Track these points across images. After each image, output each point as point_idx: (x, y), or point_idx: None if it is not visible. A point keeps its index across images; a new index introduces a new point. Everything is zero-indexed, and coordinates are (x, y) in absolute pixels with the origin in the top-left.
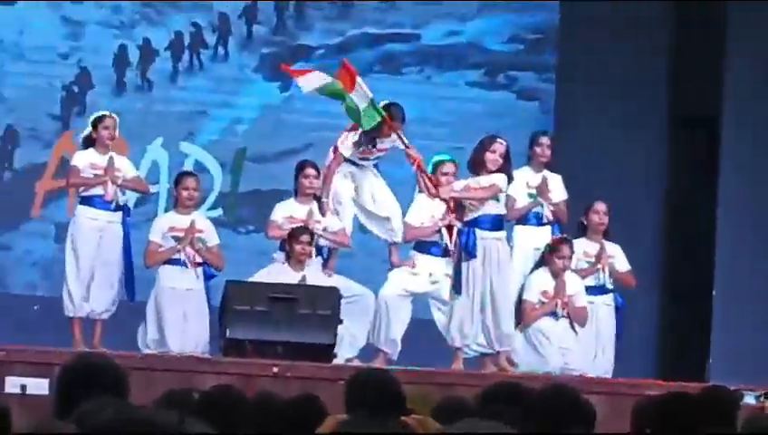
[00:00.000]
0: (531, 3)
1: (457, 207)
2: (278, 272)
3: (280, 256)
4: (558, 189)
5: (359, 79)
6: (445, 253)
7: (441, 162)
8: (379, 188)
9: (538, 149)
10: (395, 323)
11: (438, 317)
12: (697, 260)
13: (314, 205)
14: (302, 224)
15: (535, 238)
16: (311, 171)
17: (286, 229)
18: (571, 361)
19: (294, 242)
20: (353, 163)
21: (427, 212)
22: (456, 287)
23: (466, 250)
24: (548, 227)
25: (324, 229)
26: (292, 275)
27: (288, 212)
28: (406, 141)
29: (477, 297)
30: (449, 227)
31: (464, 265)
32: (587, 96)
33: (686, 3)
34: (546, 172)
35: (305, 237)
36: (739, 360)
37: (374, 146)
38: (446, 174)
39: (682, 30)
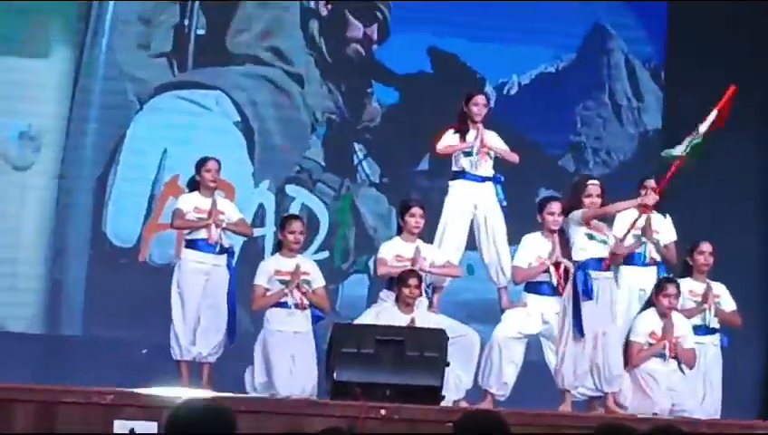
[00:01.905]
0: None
1: (565, 244)
2: (387, 314)
3: (386, 294)
4: (667, 230)
5: None
6: (554, 291)
7: (548, 202)
8: (497, 222)
9: (643, 192)
10: (507, 365)
11: (550, 358)
12: None
13: (420, 242)
14: (409, 263)
15: (641, 279)
16: (417, 211)
17: (395, 268)
18: (680, 402)
19: (403, 285)
20: (474, 178)
21: (534, 252)
22: (578, 329)
23: (584, 291)
24: (653, 268)
25: (431, 265)
26: (401, 318)
27: (395, 251)
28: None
29: (590, 338)
30: (557, 265)
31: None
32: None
33: None
34: (654, 213)
35: (413, 281)
36: None
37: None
38: (552, 213)
39: None
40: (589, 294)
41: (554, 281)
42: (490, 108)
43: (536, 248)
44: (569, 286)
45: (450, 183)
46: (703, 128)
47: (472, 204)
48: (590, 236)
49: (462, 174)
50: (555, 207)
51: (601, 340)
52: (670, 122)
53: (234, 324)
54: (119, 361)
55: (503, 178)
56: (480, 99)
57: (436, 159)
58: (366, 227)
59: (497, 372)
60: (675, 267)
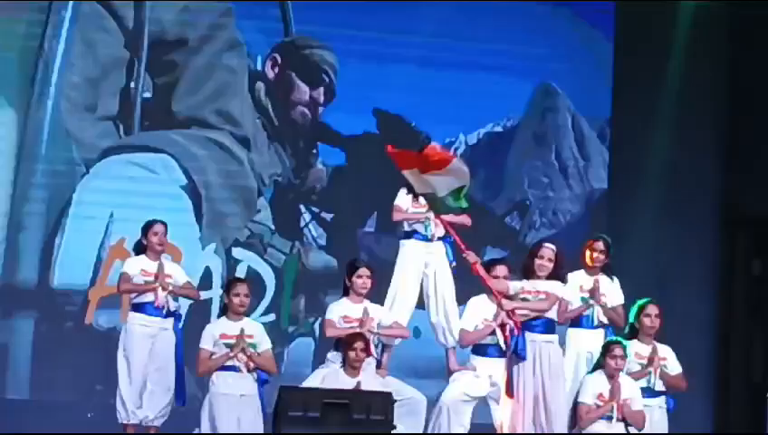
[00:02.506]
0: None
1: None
2: (333, 378)
3: (334, 355)
4: (614, 293)
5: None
6: (502, 353)
7: (493, 265)
8: (446, 283)
9: (590, 254)
10: (456, 428)
11: (497, 418)
12: (750, 364)
13: (367, 303)
14: (357, 324)
15: (589, 341)
16: (364, 271)
17: (342, 329)
18: None
19: (349, 349)
20: (425, 238)
21: (480, 315)
22: (508, 390)
23: (516, 352)
24: (601, 330)
25: (379, 325)
26: (347, 382)
27: (342, 312)
28: (461, 244)
29: (529, 400)
30: (502, 326)
31: (515, 368)
32: (642, 194)
33: (737, 99)
34: (602, 275)
35: (359, 344)
36: None
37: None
38: (497, 277)
39: (735, 130)
40: (522, 355)
41: (501, 343)
42: None
43: (482, 311)
44: (508, 349)
45: (401, 242)
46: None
47: (423, 263)
48: (525, 299)
49: (413, 233)
50: (500, 270)
51: (543, 403)
52: (616, 181)
53: (183, 386)
54: (65, 424)
55: (451, 238)
56: None
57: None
58: (314, 289)
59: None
60: (622, 330)
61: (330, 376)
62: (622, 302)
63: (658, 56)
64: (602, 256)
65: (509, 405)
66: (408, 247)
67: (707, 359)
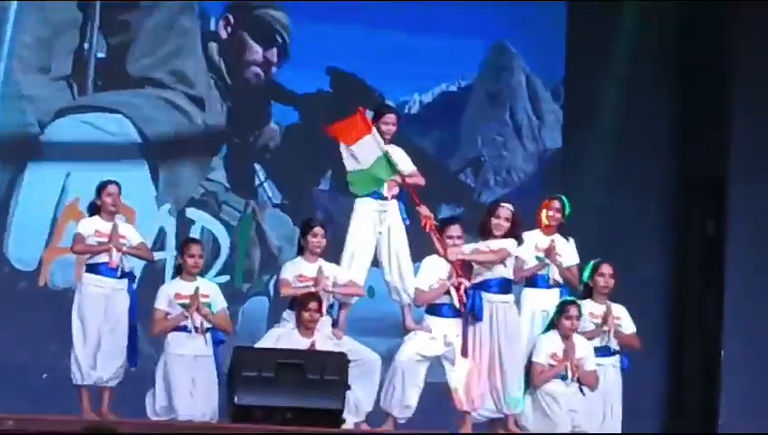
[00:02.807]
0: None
1: (465, 268)
2: (287, 338)
3: (289, 314)
4: (569, 253)
5: (374, 132)
6: (456, 313)
7: (447, 225)
8: (400, 242)
9: (546, 213)
10: (409, 387)
11: (451, 378)
12: (704, 322)
13: (322, 262)
14: (311, 283)
15: (544, 301)
16: (319, 230)
17: (297, 289)
18: (580, 424)
19: (303, 309)
20: (381, 197)
21: (435, 274)
22: (463, 350)
23: (472, 313)
24: (557, 290)
25: (334, 285)
26: (301, 342)
27: (297, 271)
28: (417, 198)
29: (485, 360)
30: (457, 286)
31: (470, 328)
32: (595, 153)
33: (689, 65)
34: (557, 236)
35: (313, 305)
36: (749, 417)
37: None
38: (451, 237)
39: (688, 91)
40: (478, 315)
41: (456, 303)
42: None
43: (437, 270)
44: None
45: (356, 201)
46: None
47: (377, 222)
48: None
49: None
50: (454, 230)
51: (498, 362)
52: (570, 141)
53: (136, 348)
54: (19, 386)
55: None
56: (391, 117)
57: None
58: (270, 248)
59: (400, 395)
60: (577, 290)
61: (284, 336)
62: (577, 262)
63: (612, 16)
64: (558, 216)
65: (465, 366)
66: (362, 206)
67: (662, 318)
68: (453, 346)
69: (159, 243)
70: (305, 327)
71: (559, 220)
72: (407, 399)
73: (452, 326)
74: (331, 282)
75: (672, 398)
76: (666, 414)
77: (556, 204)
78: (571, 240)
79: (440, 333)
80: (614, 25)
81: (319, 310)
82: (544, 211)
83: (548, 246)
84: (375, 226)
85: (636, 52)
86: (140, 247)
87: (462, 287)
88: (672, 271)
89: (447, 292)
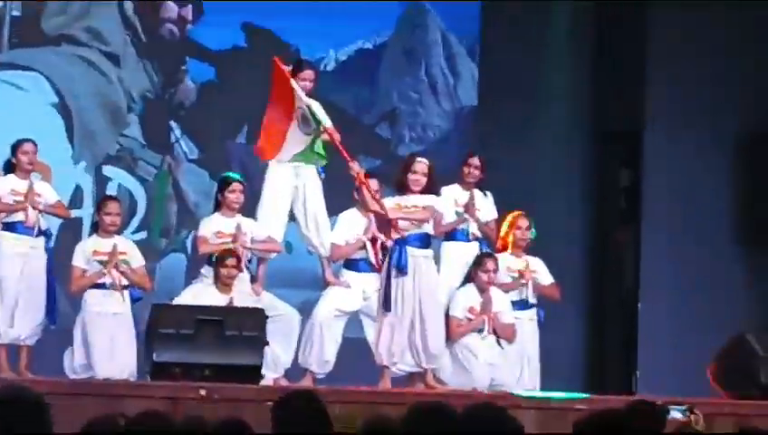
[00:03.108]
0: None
1: (383, 223)
2: (205, 295)
3: (207, 270)
4: (488, 208)
5: (293, 82)
6: (372, 268)
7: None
8: (316, 197)
9: (466, 169)
10: (328, 343)
11: (370, 334)
12: (622, 273)
13: (240, 217)
14: (230, 240)
15: (463, 254)
16: (237, 186)
17: (215, 245)
18: (498, 377)
19: (220, 266)
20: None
21: (351, 229)
22: (386, 305)
23: (398, 267)
24: (476, 244)
25: (252, 241)
26: (219, 298)
27: (215, 227)
28: (347, 154)
29: (407, 315)
30: (373, 241)
31: (393, 281)
32: (511, 110)
33: (606, 12)
34: (476, 190)
35: (231, 261)
36: (665, 374)
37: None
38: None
39: (603, 43)
40: (403, 270)
41: (371, 258)
42: None
43: (353, 225)
44: (386, 263)
45: None
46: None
47: (293, 177)
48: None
49: None
50: (372, 184)
51: (419, 317)
52: (484, 99)
53: (54, 305)
54: None
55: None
56: (309, 74)
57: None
58: (188, 204)
59: (318, 351)
60: (495, 245)
61: (201, 294)
62: (496, 217)
63: None
64: (477, 172)
65: (386, 320)
66: (277, 162)
67: (579, 270)
68: (371, 301)
69: (77, 202)
70: (223, 283)
71: (478, 177)
72: (325, 354)
73: (370, 281)
74: (249, 238)
75: (591, 352)
76: (585, 370)
77: (476, 160)
78: (490, 195)
79: (358, 287)
80: None
81: (237, 266)
82: (465, 167)
83: (467, 201)
84: (291, 181)
85: (550, 8)
86: (57, 205)
87: (378, 242)
88: (590, 223)
89: (363, 247)
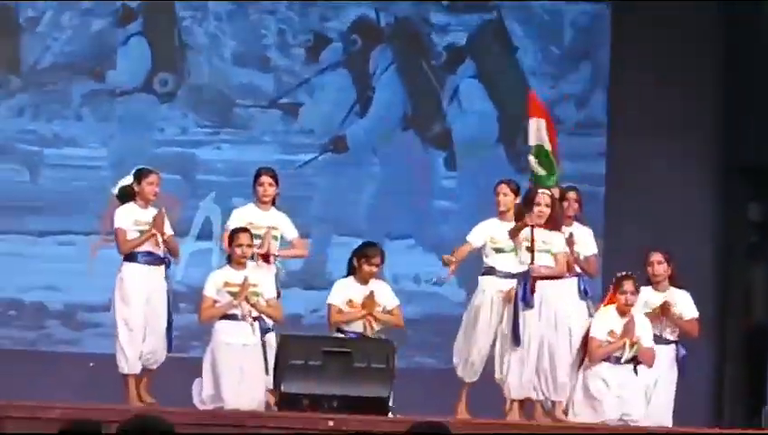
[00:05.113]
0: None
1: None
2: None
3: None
4: (586, 243)
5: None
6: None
7: None
8: None
9: (566, 204)
10: None
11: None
12: (751, 307)
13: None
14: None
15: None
16: (266, 179)
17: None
18: (628, 411)
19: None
20: None
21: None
22: (515, 339)
23: (524, 300)
24: (574, 280)
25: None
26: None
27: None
28: None
29: (534, 347)
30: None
31: (521, 314)
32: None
33: (735, 51)
34: (575, 226)
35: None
36: None
37: None
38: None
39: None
40: (528, 303)
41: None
42: None
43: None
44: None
45: None
46: (532, 141)
47: None
48: (528, 249)
49: None
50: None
51: (547, 348)
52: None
53: (170, 334)
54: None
55: None
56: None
57: None
58: None
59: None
60: (594, 279)
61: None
62: (595, 251)
63: None
64: (575, 205)
65: (512, 353)
66: None
67: (708, 303)
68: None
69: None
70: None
71: (576, 211)
72: None
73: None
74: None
75: (718, 385)
76: (712, 404)
77: (572, 194)
78: (589, 229)
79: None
80: None
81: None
82: (564, 202)
83: (567, 238)
84: None
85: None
86: (173, 239)
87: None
88: (718, 255)
89: None
